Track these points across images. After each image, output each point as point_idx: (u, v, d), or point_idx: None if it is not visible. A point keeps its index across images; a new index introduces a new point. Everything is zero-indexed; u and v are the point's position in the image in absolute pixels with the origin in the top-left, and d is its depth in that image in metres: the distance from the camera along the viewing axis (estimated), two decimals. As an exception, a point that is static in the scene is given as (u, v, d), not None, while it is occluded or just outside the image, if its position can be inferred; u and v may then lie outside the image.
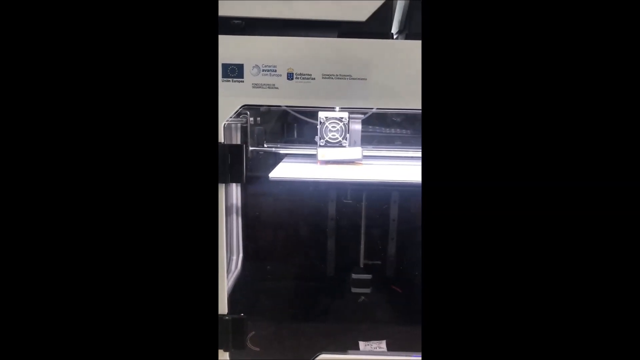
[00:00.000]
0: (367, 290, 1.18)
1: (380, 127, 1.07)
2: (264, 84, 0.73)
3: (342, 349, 0.94)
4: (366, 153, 0.94)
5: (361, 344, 0.98)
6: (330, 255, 1.23)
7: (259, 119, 1.02)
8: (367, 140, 0.97)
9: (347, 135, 0.92)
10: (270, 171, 0.89)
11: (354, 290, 1.18)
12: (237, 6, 0.74)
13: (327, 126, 0.92)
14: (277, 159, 1.05)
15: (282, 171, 0.90)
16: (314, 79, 0.73)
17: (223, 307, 0.81)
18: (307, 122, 1.00)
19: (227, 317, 0.81)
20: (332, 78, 0.73)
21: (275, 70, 0.73)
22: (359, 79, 0.73)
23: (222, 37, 0.72)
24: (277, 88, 0.73)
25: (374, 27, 0.75)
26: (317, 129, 0.94)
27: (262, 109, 1.00)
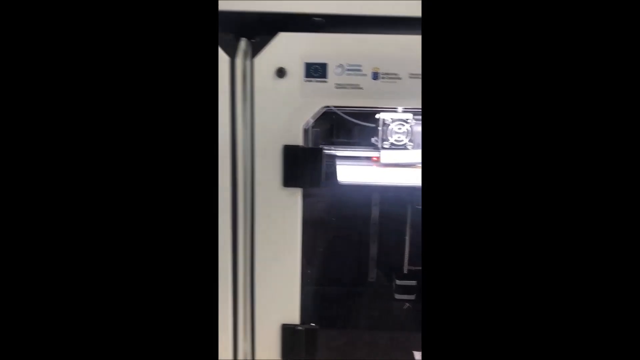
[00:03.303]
0: (411, 297, 1.15)
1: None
2: (348, 84, 0.70)
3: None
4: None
5: (416, 354, 0.95)
6: (372, 261, 1.20)
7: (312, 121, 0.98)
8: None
9: (412, 137, 0.90)
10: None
11: (397, 296, 1.16)
12: (317, 3, 0.71)
13: (392, 128, 0.89)
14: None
15: (348, 174, 0.87)
16: (400, 78, 0.70)
17: (295, 318, 0.78)
18: (356, 124, 0.97)
19: (300, 328, 0.77)
20: (420, 78, 0.70)
21: (360, 70, 0.70)
22: (447, 79, 0.70)
23: (304, 34, 0.70)
24: (361, 88, 0.70)
25: (462, 26, 0.72)
26: (365, 130, 0.91)
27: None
